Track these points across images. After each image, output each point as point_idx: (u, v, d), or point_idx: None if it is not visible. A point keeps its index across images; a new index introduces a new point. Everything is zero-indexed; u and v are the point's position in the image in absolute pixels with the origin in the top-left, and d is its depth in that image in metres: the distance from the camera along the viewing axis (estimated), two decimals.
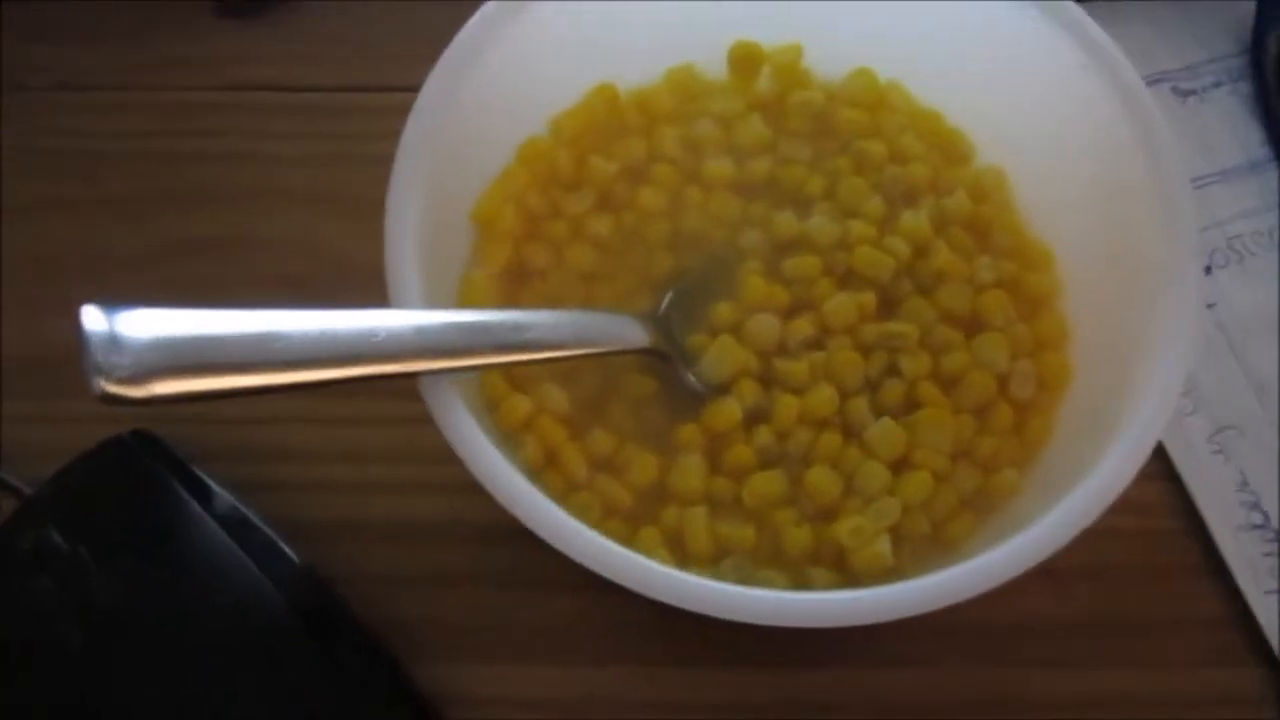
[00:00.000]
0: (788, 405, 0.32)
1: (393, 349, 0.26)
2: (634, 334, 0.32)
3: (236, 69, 0.43)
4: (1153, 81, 0.42)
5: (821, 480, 0.32)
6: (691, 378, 0.33)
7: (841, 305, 0.34)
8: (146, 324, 0.23)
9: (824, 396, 0.32)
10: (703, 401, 0.33)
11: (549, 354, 0.29)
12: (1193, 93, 0.42)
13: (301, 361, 0.24)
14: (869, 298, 0.34)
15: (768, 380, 0.33)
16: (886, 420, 0.32)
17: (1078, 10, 0.33)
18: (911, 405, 0.33)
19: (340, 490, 0.36)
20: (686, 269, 0.35)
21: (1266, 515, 0.36)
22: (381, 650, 0.33)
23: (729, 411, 0.32)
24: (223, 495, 0.33)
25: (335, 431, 0.36)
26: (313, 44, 0.44)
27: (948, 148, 0.37)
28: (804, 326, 0.33)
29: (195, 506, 0.32)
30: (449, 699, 0.34)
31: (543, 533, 0.27)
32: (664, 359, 0.33)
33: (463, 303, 0.33)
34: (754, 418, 0.33)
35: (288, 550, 0.33)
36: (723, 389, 0.33)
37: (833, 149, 0.37)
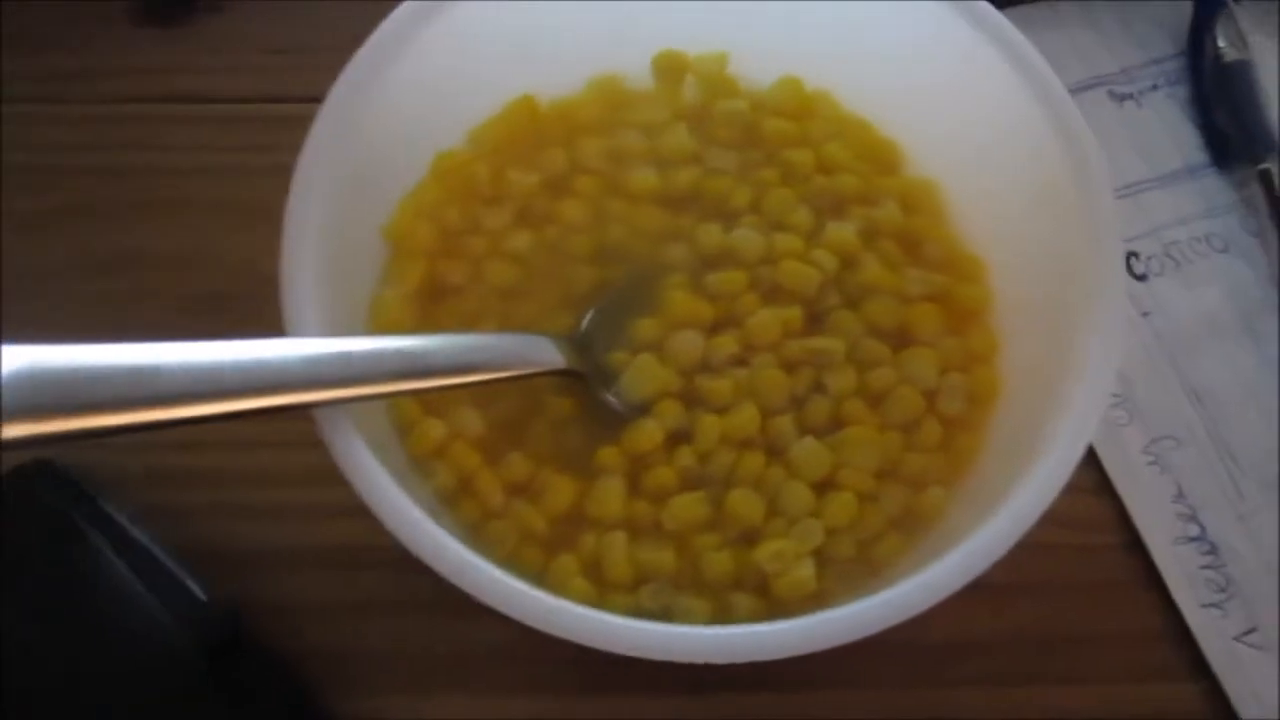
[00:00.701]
0: (710, 425, 0.31)
1: (282, 381, 0.25)
2: (548, 355, 0.31)
3: (153, 79, 0.42)
4: (1089, 86, 0.42)
5: (743, 503, 0.31)
6: (611, 398, 0.32)
7: (766, 321, 0.33)
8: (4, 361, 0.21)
9: (747, 416, 0.32)
10: (623, 422, 0.32)
11: (454, 380, 0.28)
12: (1129, 96, 0.42)
13: (180, 397, 0.23)
14: (794, 313, 0.33)
15: (690, 399, 0.32)
16: (810, 440, 0.31)
17: (1005, 22, 0.32)
18: (837, 423, 0.32)
19: (253, 515, 0.35)
20: (610, 284, 0.34)
21: (1203, 527, 0.35)
22: (296, 686, 0.32)
23: (649, 433, 0.31)
24: (127, 528, 0.32)
25: (247, 454, 0.35)
26: (233, 52, 0.43)
27: (877, 157, 0.36)
28: (728, 343, 0.33)
29: (99, 542, 0.31)
30: None
31: (445, 572, 0.26)
32: (582, 380, 0.32)
33: (374, 323, 0.32)
34: (676, 438, 0.32)
35: (193, 586, 0.31)
36: (643, 409, 0.32)
37: (759, 159, 0.36)
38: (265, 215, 0.37)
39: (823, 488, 0.31)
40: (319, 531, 0.34)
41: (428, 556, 0.26)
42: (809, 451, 0.31)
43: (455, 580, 0.26)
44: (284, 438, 0.35)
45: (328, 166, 0.29)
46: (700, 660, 0.25)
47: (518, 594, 0.25)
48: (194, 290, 0.38)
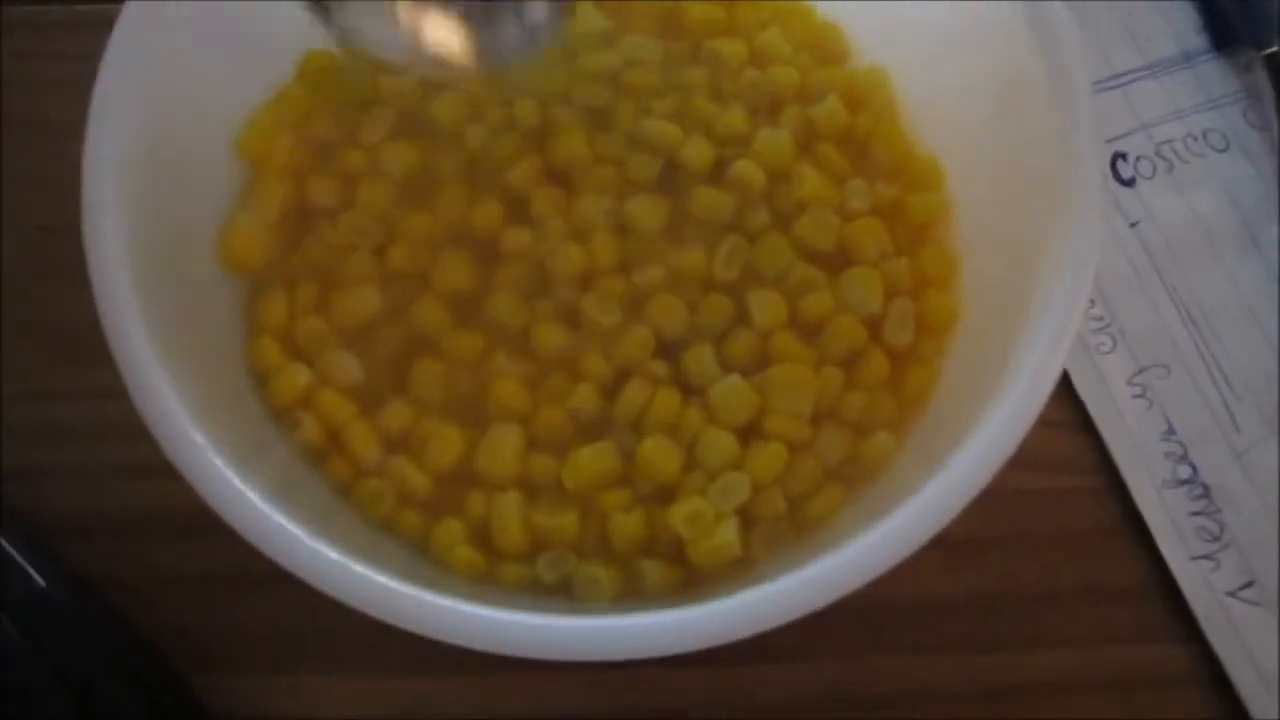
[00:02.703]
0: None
1: None
2: None
3: None
4: None
5: (657, 454, 0.26)
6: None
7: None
8: None
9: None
10: None
11: None
12: None
13: None
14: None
15: None
16: (735, 379, 0.27)
17: None
18: (765, 360, 0.27)
19: (104, 476, 0.31)
20: None
21: (1195, 468, 0.31)
22: (150, 672, 0.28)
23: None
24: None
25: (91, 405, 0.30)
26: None
27: (819, 46, 0.31)
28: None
29: None
30: None
31: (290, 567, 0.21)
32: None
33: (224, 256, 0.28)
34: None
35: (28, 567, 0.27)
36: None
37: (683, 54, 0.31)
38: None
39: (749, 435, 0.27)
40: (178, 494, 0.30)
41: (264, 546, 0.22)
42: (732, 392, 0.27)
43: (295, 571, 0.21)
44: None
45: (142, 71, 0.25)
46: (598, 659, 0.21)
47: (362, 582, 0.21)
48: (34, 221, 0.33)
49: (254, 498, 0.21)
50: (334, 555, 0.21)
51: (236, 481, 0.22)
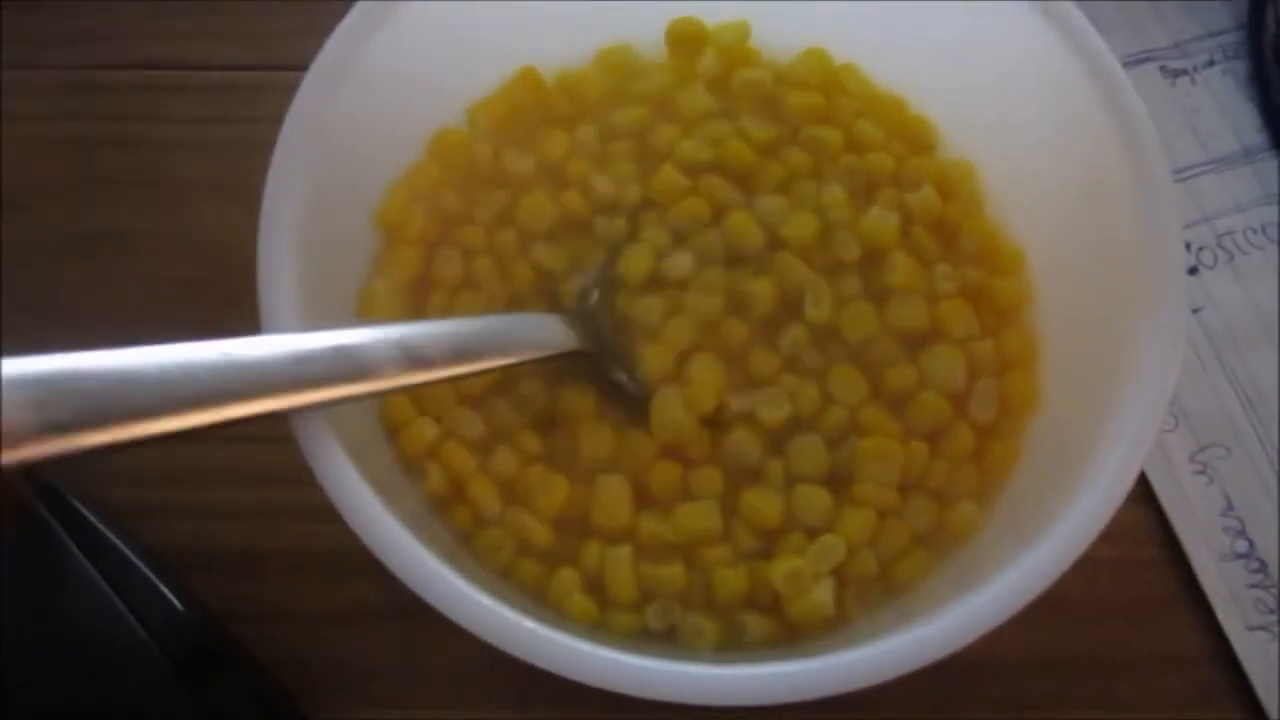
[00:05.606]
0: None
1: (265, 383, 0.23)
2: (554, 335, 0.29)
3: (141, 45, 0.39)
4: (1140, 61, 0.39)
5: (760, 501, 0.28)
6: (623, 377, 0.30)
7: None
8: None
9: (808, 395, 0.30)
10: (634, 405, 0.30)
11: (456, 370, 0.26)
12: (1183, 73, 0.39)
13: (150, 409, 0.21)
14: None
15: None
16: (813, 437, 0.29)
17: None
18: (854, 431, 0.30)
19: (237, 516, 0.33)
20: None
21: (1252, 542, 0.33)
22: (273, 700, 0.30)
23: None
24: (99, 529, 0.30)
25: (230, 450, 0.33)
26: (227, 17, 0.40)
27: (910, 136, 0.33)
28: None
29: (66, 541, 0.29)
30: None
31: (429, 597, 0.23)
32: (591, 360, 0.30)
33: (361, 316, 0.30)
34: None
35: (169, 594, 0.29)
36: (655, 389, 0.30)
37: (784, 137, 0.33)
38: (251, 194, 0.35)
39: (841, 498, 0.29)
40: (304, 534, 0.32)
41: (408, 577, 0.24)
42: (807, 449, 0.29)
43: (438, 606, 0.24)
44: (270, 432, 0.33)
45: (310, 145, 0.27)
46: (706, 703, 0.23)
47: (504, 622, 0.23)
48: (176, 274, 0.35)
49: (409, 538, 0.23)
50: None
51: (393, 522, 0.24)
